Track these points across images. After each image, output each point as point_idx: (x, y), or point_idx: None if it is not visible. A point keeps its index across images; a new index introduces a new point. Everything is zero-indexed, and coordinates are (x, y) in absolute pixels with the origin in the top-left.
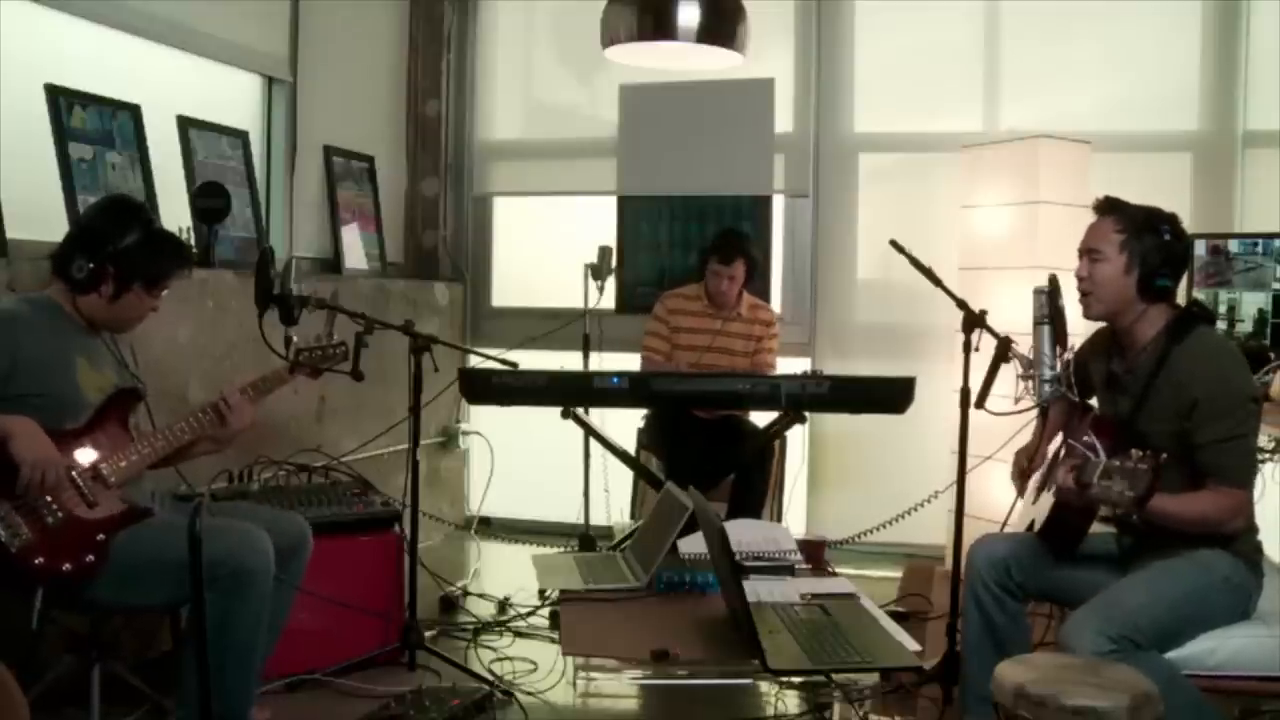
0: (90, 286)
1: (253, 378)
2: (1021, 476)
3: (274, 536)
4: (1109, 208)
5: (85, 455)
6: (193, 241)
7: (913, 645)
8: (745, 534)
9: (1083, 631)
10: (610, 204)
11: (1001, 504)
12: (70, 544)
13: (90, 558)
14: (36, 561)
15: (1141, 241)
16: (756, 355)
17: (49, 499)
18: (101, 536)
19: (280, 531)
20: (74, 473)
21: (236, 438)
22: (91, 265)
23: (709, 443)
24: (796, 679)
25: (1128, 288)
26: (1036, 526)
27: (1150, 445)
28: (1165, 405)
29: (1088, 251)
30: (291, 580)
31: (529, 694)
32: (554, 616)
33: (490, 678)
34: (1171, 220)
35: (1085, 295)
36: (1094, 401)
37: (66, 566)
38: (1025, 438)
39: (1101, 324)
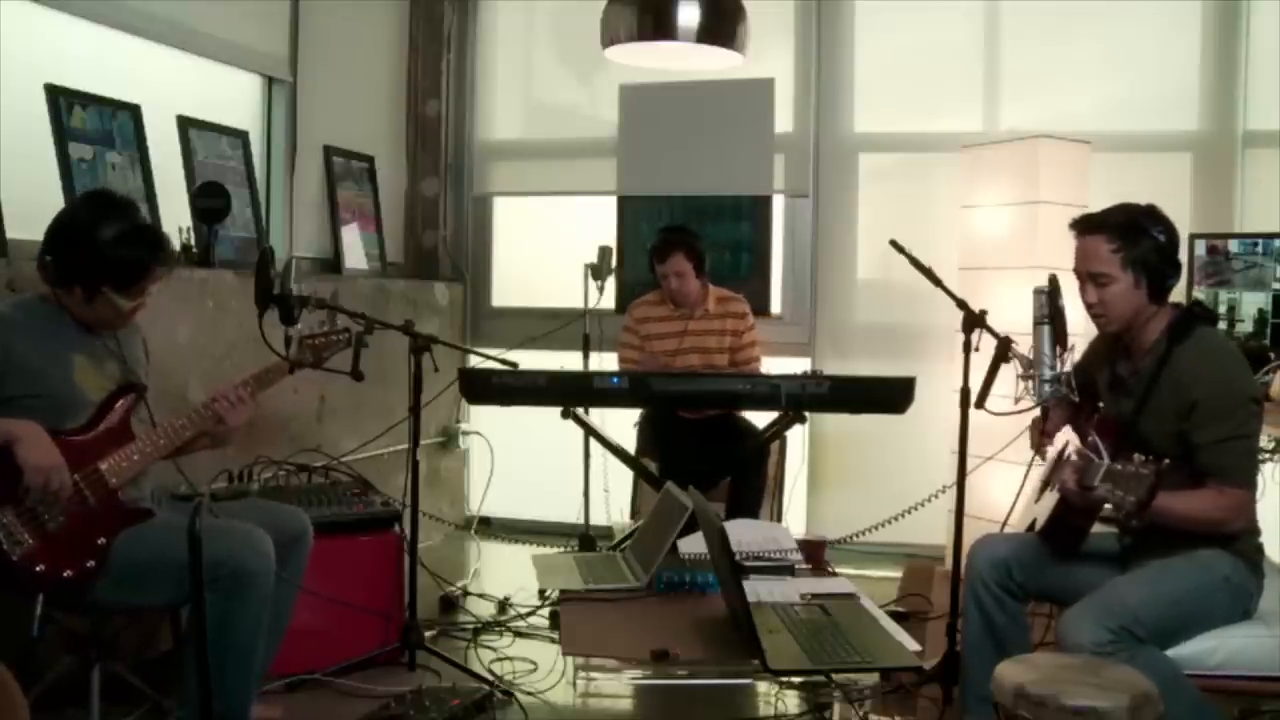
0: (64, 287)
1: (253, 371)
2: (1043, 436)
3: (273, 530)
4: (1092, 226)
5: (86, 456)
6: (193, 241)
7: (913, 645)
8: (745, 534)
9: (1082, 622)
10: (610, 204)
11: (1001, 504)
12: (71, 549)
13: (90, 563)
14: (38, 569)
15: (1140, 249)
16: (739, 352)
17: (51, 504)
18: (102, 540)
19: (280, 525)
20: (75, 476)
21: (235, 434)
22: (59, 267)
23: (704, 444)
24: (796, 679)
25: (1140, 299)
26: (1038, 526)
27: (1151, 446)
28: (1166, 405)
29: (1091, 276)
30: (292, 574)
31: (529, 694)
32: (554, 616)
33: (490, 678)
34: (1153, 214)
35: (1099, 317)
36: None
37: (68, 573)
38: (1025, 438)
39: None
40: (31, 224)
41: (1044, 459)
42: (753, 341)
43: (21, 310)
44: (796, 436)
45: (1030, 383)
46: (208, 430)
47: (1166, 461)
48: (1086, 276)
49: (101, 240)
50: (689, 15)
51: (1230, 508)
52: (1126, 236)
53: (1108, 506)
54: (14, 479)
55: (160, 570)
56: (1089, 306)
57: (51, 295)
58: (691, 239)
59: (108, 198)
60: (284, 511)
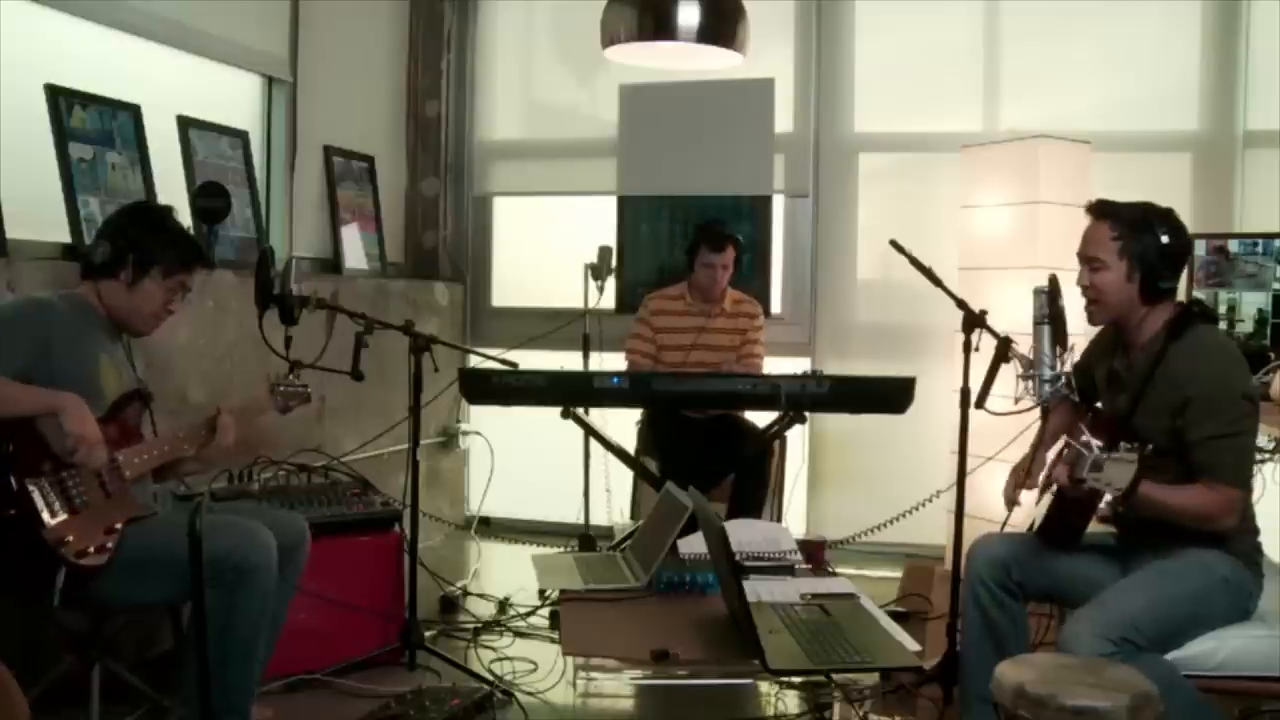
0: (111, 271)
1: (236, 403)
2: (1017, 488)
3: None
4: (1103, 212)
5: (108, 444)
6: None
7: (913, 645)
8: (745, 534)
9: (1082, 634)
10: (610, 204)
11: (1001, 504)
12: (92, 528)
13: (109, 544)
14: (67, 539)
15: (1140, 243)
16: (743, 348)
17: (79, 481)
18: (117, 526)
19: (278, 533)
20: None
21: (221, 458)
22: (113, 249)
23: (706, 444)
24: (796, 679)
25: (1131, 293)
26: (1036, 526)
27: (1144, 441)
28: (1160, 401)
29: (1087, 259)
30: (289, 581)
31: (529, 694)
32: (554, 616)
33: (490, 678)
34: (1166, 216)
35: (1090, 304)
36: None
37: (89, 549)
38: (1026, 438)
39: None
40: (31, 224)
41: (1010, 507)
42: (757, 340)
43: (65, 302)
44: (796, 436)
45: (1030, 383)
46: (200, 452)
47: (1151, 446)
48: (1083, 259)
49: (159, 229)
50: (689, 15)
51: (1218, 503)
52: (1131, 228)
53: (1104, 506)
54: (47, 453)
55: (163, 566)
56: (1082, 291)
57: (90, 294)
58: (737, 236)
59: (161, 206)
60: (282, 518)
